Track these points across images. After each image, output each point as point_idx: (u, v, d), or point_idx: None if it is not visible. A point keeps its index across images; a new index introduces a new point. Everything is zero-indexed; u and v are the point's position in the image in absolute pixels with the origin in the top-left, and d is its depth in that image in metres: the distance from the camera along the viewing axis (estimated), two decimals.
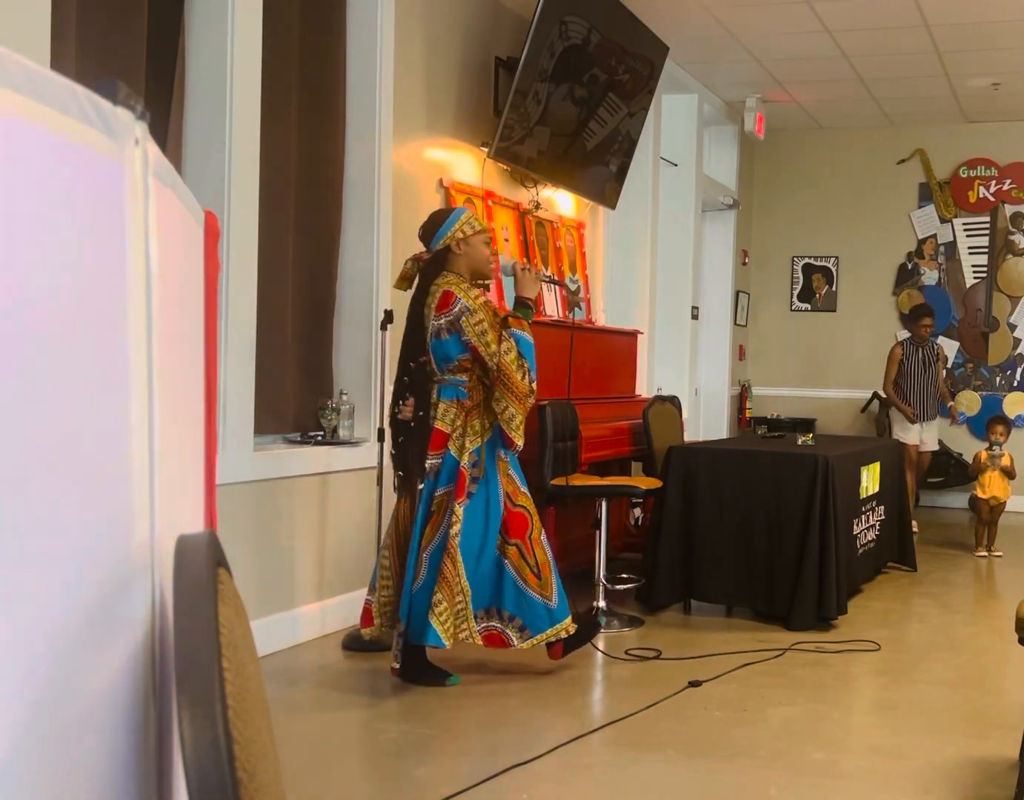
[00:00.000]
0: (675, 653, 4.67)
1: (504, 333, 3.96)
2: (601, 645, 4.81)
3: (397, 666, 4.06)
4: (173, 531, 1.15)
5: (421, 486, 4.02)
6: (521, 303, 4.10)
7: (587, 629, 4.39)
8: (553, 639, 4.15)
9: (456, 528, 3.97)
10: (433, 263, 4.07)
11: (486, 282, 4.23)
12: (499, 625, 4.06)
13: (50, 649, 0.86)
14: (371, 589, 4.19)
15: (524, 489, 4.19)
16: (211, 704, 0.90)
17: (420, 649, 4.07)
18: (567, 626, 4.16)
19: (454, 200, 5.83)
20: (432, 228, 4.13)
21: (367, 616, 4.14)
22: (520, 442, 4.01)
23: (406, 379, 4.06)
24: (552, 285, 4.33)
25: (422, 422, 4.02)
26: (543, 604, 4.09)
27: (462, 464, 3.97)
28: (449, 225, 4.07)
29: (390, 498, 5.15)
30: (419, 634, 3.94)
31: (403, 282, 4.20)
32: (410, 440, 4.06)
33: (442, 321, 3.97)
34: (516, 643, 4.08)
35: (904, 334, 10.19)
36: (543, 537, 4.18)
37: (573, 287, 7.11)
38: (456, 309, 3.94)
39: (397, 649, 4.04)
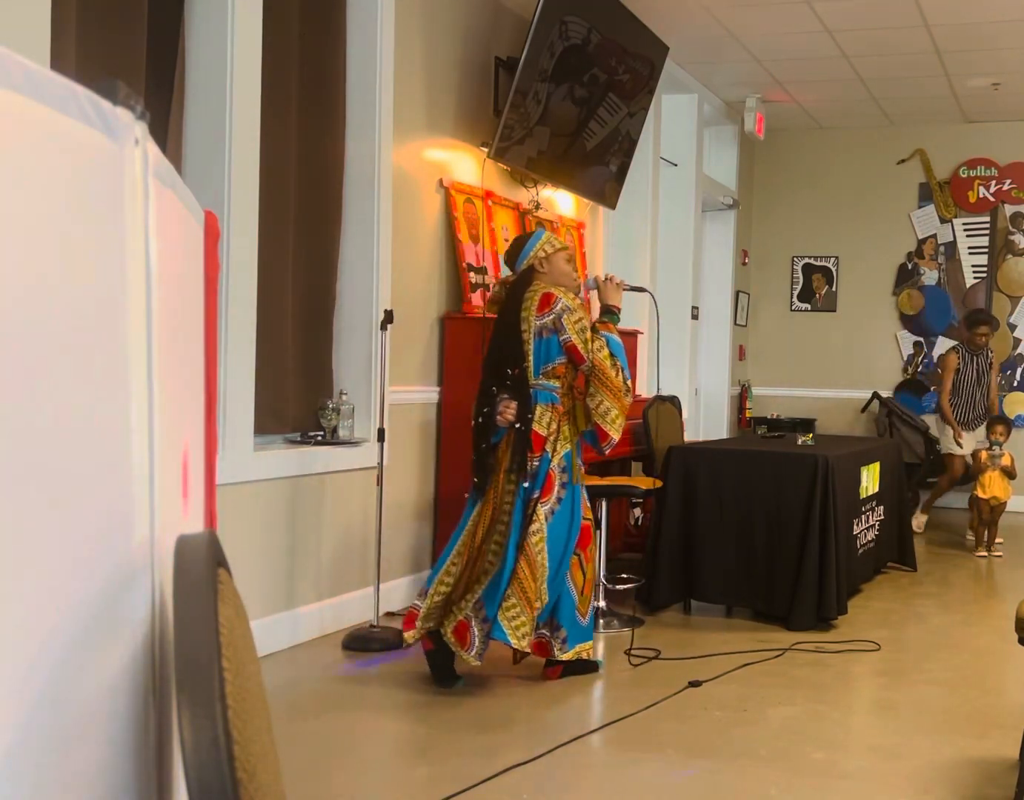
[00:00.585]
0: (675, 653, 4.67)
1: (594, 333, 4.15)
2: (601, 645, 4.82)
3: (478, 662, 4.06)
4: (173, 531, 1.15)
5: (526, 484, 4.07)
6: (607, 310, 4.32)
7: (589, 663, 4.37)
8: (574, 658, 4.19)
9: (536, 526, 4.03)
10: (520, 282, 4.23)
11: None
12: (548, 633, 4.16)
13: (50, 649, 0.86)
14: (422, 594, 4.17)
15: (587, 502, 4.31)
16: (211, 704, 0.90)
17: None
18: (588, 648, 4.25)
19: (454, 201, 5.83)
20: (516, 251, 4.32)
21: (410, 620, 4.14)
22: (615, 436, 4.16)
23: (494, 388, 4.15)
24: (638, 292, 4.58)
25: (526, 424, 4.08)
26: (580, 619, 4.20)
27: (551, 466, 4.08)
28: (531, 246, 4.26)
29: (390, 498, 5.16)
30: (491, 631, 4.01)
31: (493, 305, 4.39)
32: (517, 443, 4.09)
33: (545, 320, 4.11)
34: (557, 654, 4.17)
35: (906, 337, 10.21)
36: (595, 554, 4.27)
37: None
38: (557, 308, 4.10)
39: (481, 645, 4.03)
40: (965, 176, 9.98)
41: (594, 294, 4.61)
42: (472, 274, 5.87)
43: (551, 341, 4.11)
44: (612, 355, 4.14)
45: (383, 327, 4.89)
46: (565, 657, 4.16)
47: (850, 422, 10.30)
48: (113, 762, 1.00)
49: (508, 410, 4.10)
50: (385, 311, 4.90)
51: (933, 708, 4.03)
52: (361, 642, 4.65)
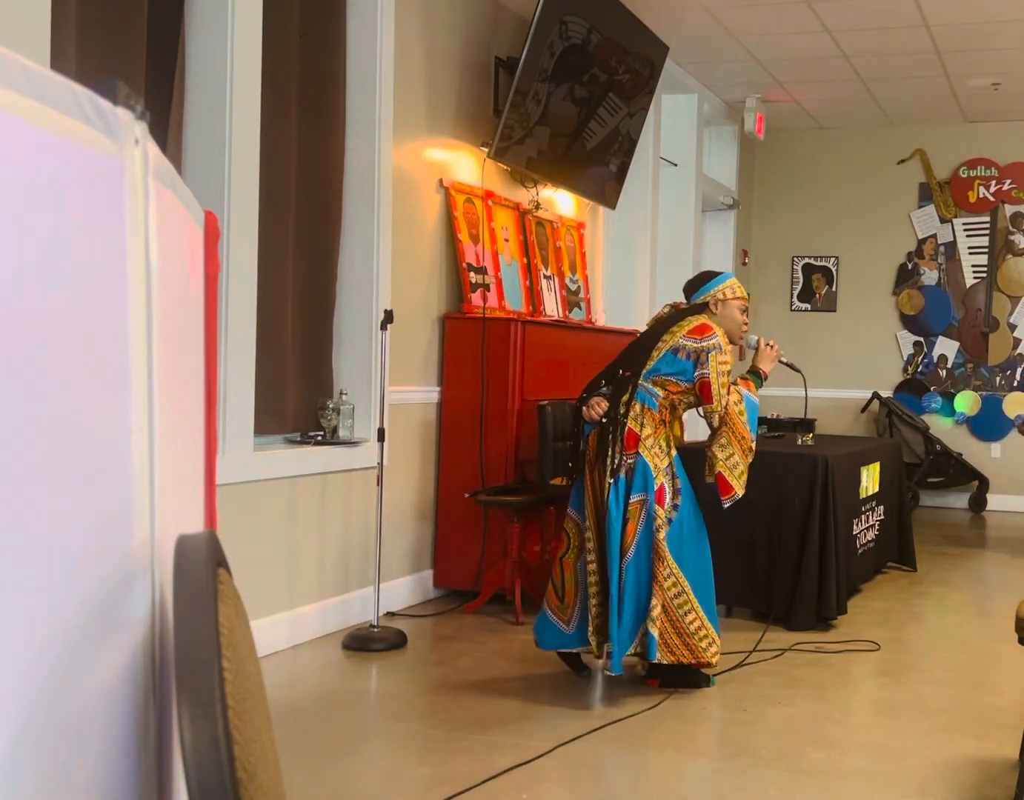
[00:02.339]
0: None
1: (733, 387, 4.16)
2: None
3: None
4: (173, 531, 1.15)
5: (611, 480, 4.04)
6: (754, 371, 4.35)
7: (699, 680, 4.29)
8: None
9: (662, 528, 4.02)
10: (688, 310, 4.26)
11: (735, 346, 4.35)
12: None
13: (50, 649, 0.86)
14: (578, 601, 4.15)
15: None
16: (211, 704, 0.90)
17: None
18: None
19: (454, 201, 5.83)
20: (697, 283, 4.36)
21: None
22: (740, 491, 4.15)
23: (603, 382, 4.20)
24: (789, 368, 4.74)
25: (614, 422, 4.08)
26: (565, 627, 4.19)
27: (657, 479, 4.04)
28: (713, 285, 4.30)
29: (390, 498, 5.16)
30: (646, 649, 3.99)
31: (656, 322, 4.38)
32: (602, 438, 4.10)
33: (690, 343, 4.10)
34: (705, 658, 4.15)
35: (906, 337, 10.21)
36: (580, 561, 4.17)
37: (574, 287, 7.11)
38: (710, 342, 4.09)
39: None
40: (965, 176, 9.98)
41: (749, 353, 4.61)
42: (472, 274, 5.87)
43: (684, 363, 4.10)
44: (746, 412, 4.15)
45: (383, 327, 4.89)
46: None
47: (850, 422, 10.31)
48: (113, 762, 1.00)
49: (597, 406, 4.12)
50: (385, 311, 4.90)
51: (933, 708, 4.03)
52: (361, 642, 4.65)
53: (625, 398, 4.10)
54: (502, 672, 4.36)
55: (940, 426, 9.99)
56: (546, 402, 5.35)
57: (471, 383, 5.60)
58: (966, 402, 10.00)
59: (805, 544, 5.18)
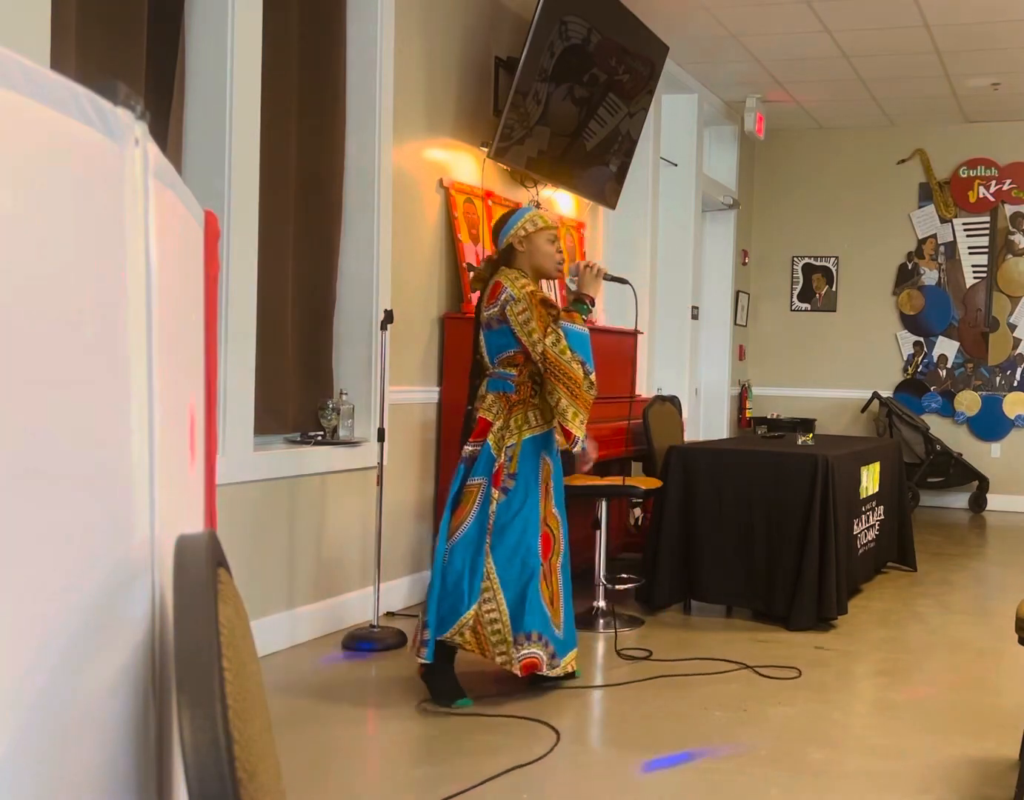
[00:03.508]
0: (673, 654, 4.68)
1: (552, 325, 3.91)
2: (601, 645, 4.82)
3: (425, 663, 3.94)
4: (173, 531, 1.15)
5: (465, 468, 3.96)
6: (578, 299, 4.10)
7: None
8: (562, 673, 4.05)
9: (491, 524, 3.91)
10: (498, 261, 4.09)
11: (552, 280, 4.20)
12: (537, 651, 3.94)
13: (50, 649, 0.86)
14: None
15: (556, 511, 4.11)
16: (211, 704, 0.90)
17: (452, 654, 3.98)
18: (571, 661, 4.09)
19: (454, 200, 5.83)
20: (498, 227, 4.15)
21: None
22: (578, 433, 3.92)
23: (469, 377, 4.11)
24: (618, 282, 4.31)
25: (468, 415, 4.03)
26: (555, 632, 4.02)
27: (499, 460, 3.92)
28: (513, 223, 4.07)
29: (390, 498, 5.16)
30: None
31: (477, 282, 4.20)
32: (464, 426, 4.04)
33: (492, 311, 3.96)
34: (546, 670, 3.97)
35: (906, 337, 10.21)
36: (560, 564, 4.10)
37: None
38: (502, 298, 3.93)
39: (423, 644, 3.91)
40: (965, 176, 9.98)
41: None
42: (472, 274, 5.87)
43: (500, 333, 3.95)
44: (571, 348, 3.91)
45: (383, 327, 4.88)
46: (553, 673, 3.99)
47: (850, 422, 10.31)
48: (113, 762, 1.00)
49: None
50: (385, 311, 4.90)
51: (933, 708, 4.03)
52: (361, 642, 4.65)
53: (481, 390, 4.01)
54: (502, 672, 4.36)
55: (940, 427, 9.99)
56: None
57: None
58: (966, 402, 10.00)
59: (805, 544, 5.18)
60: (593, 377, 3.98)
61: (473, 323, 4.12)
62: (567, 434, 3.94)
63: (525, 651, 3.89)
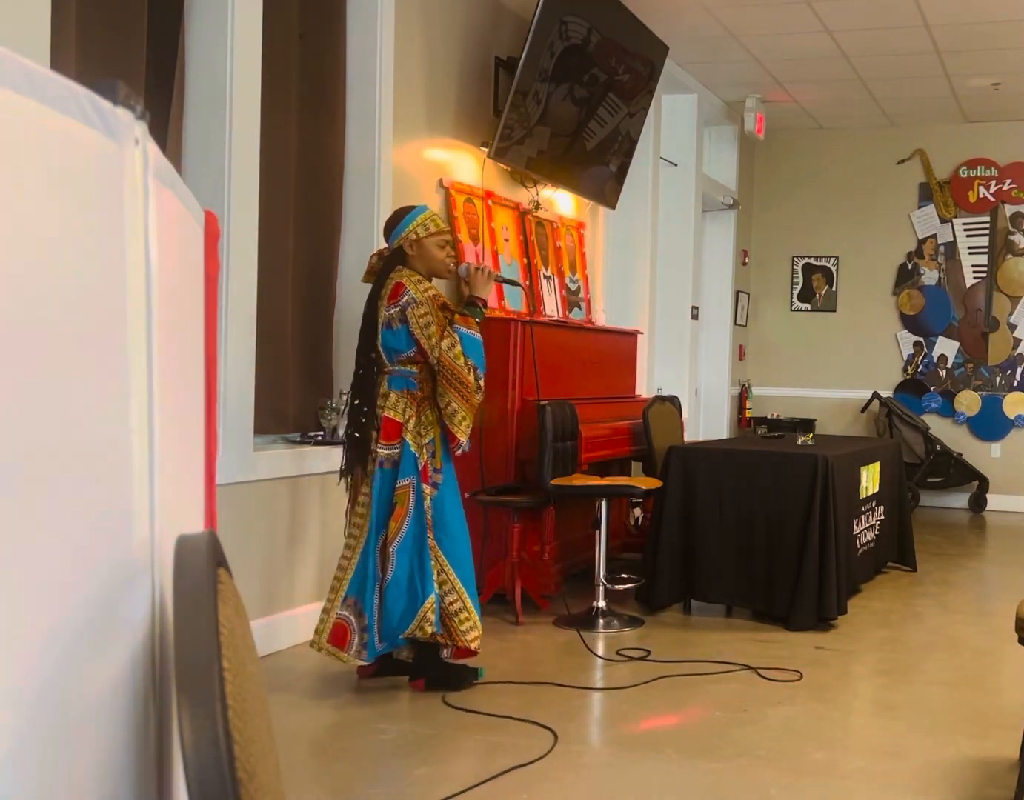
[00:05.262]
0: (672, 654, 4.68)
1: (448, 329, 3.91)
2: (600, 645, 4.82)
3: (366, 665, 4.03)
4: (173, 531, 1.15)
5: (372, 472, 3.95)
6: (471, 302, 4.03)
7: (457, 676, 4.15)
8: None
9: (430, 519, 3.93)
10: (390, 260, 4.06)
11: (444, 280, 4.19)
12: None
13: (50, 649, 0.86)
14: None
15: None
16: (211, 704, 0.90)
17: (434, 650, 4.04)
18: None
19: (454, 200, 5.83)
20: (391, 225, 4.11)
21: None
22: (462, 438, 3.93)
23: (361, 373, 4.03)
24: (510, 284, 4.23)
25: (367, 415, 3.97)
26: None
27: (422, 457, 3.92)
28: (404, 225, 4.04)
29: None
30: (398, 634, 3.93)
31: (369, 276, 4.16)
32: (352, 433, 4.01)
33: (392, 311, 3.94)
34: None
35: (906, 337, 10.21)
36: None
37: (574, 287, 7.10)
38: (404, 300, 3.91)
39: (360, 652, 3.96)
40: (965, 176, 9.98)
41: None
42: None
43: (400, 333, 3.93)
44: (464, 354, 3.89)
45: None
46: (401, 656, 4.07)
47: (850, 422, 10.31)
48: (113, 762, 1.00)
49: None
50: None
51: (933, 708, 4.03)
52: None
53: (383, 389, 3.98)
54: (502, 672, 4.36)
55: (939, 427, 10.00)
56: (546, 402, 5.35)
57: None
58: (966, 402, 10.00)
59: (805, 544, 5.18)
60: (482, 382, 3.96)
61: (363, 320, 4.05)
62: (452, 438, 3.96)
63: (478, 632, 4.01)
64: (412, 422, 3.94)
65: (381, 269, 4.07)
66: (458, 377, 3.89)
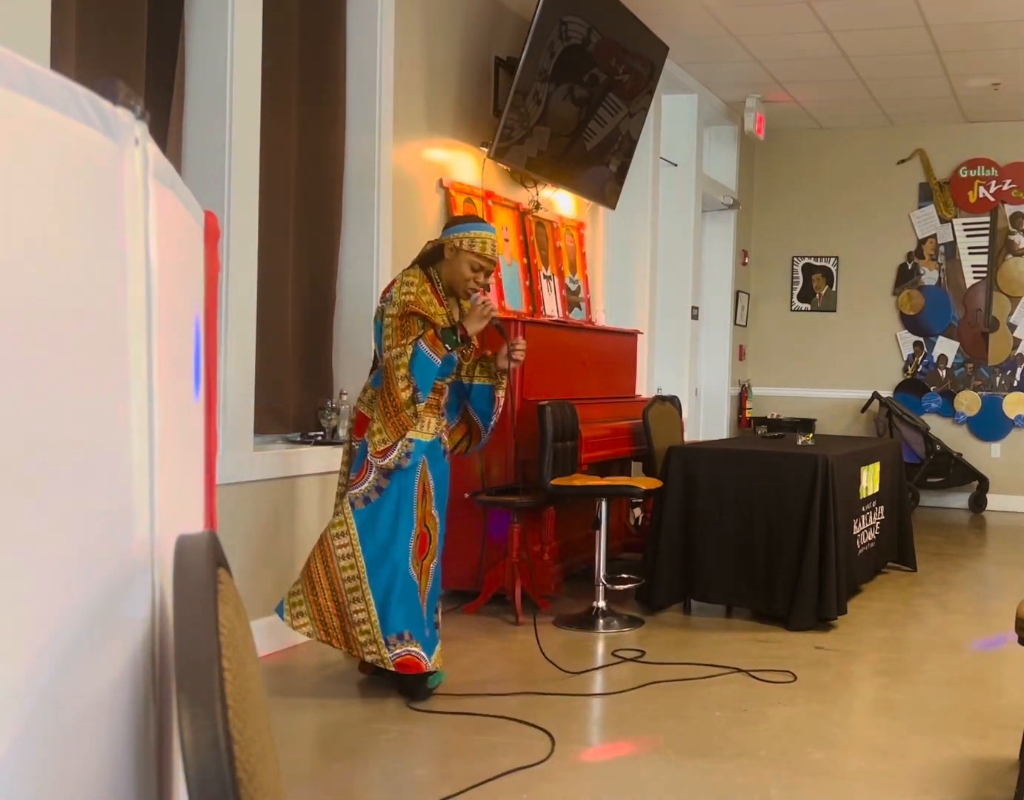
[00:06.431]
0: (672, 654, 4.68)
1: (407, 340, 3.80)
2: (600, 645, 4.82)
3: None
4: (173, 531, 1.15)
5: (344, 470, 4.00)
6: (452, 328, 3.87)
7: (416, 688, 4.01)
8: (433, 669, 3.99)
9: (338, 509, 3.88)
10: (425, 254, 4.04)
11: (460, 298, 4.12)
12: (414, 649, 3.88)
13: (50, 649, 0.86)
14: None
15: (435, 512, 3.99)
16: (211, 704, 0.90)
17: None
18: (437, 659, 3.99)
19: (454, 201, 5.83)
20: (451, 222, 4.10)
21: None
22: (370, 449, 3.81)
23: (374, 364, 4.10)
24: (498, 331, 4.05)
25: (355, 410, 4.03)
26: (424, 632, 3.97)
27: (368, 455, 3.85)
28: (458, 229, 3.97)
29: None
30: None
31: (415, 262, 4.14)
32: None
33: (379, 305, 3.95)
34: (428, 665, 3.92)
35: (906, 337, 10.21)
36: (434, 565, 4.01)
37: (574, 287, 7.10)
38: (387, 296, 3.91)
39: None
40: (965, 176, 9.98)
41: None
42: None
43: (379, 328, 3.92)
44: (410, 369, 3.77)
45: None
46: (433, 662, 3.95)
47: (850, 422, 10.31)
48: (113, 762, 1.00)
49: None
50: None
51: (933, 708, 4.03)
52: None
53: (366, 382, 4.00)
54: (502, 672, 4.36)
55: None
56: (546, 402, 5.35)
57: None
58: (966, 402, 10.00)
59: (805, 544, 5.18)
60: (421, 407, 3.82)
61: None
62: (371, 448, 3.84)
63: (399, 650, 3.86)
64: (378, 425, 3.85)
65: (417, 258, 4.06)
66: (389, 387, 3.79)
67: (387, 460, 3.82)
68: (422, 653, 3.89)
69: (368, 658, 3.89)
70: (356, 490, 3.87)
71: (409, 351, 3.78)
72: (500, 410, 4.22)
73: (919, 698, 4.15)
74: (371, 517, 3.86)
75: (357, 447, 3.95)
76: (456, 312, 4.06)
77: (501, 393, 4.17)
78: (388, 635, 3.85)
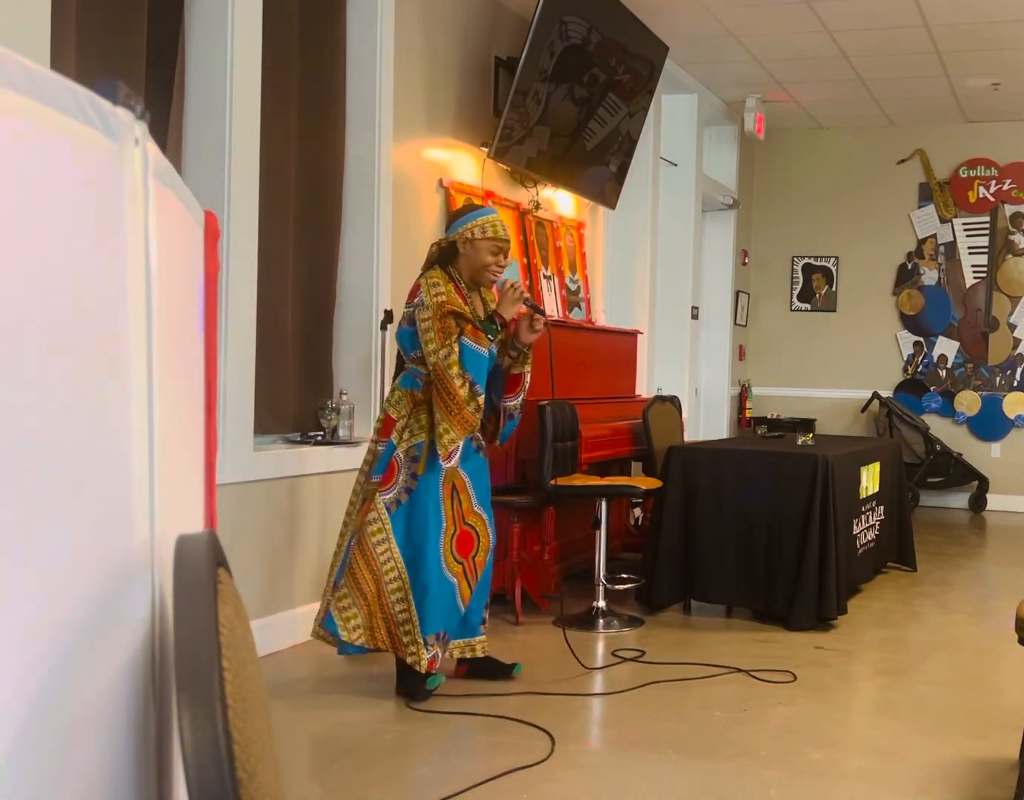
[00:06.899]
0: (670, 655, 4.68)
1: (450, 339, 3.82)
2: (600, 645, 4.82)
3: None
4: (173, 531, 1.15)
5: (366, 468, 3.99)
6: (489, 317, 3.94)
7: (500, 670, 4.21)
8: (460, 655, 4.07)
9: (373, 516, 3.87)
10: (439, 254, 4.03)
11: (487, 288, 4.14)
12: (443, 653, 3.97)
13: (50, 649, 0.86)
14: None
15: (478, 508, 4.03)
16: (211, 704, 0.90)
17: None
18: (477, 644, 4.09)
19: (454, 200, 5.83)
20: (453, 217, 4.08)
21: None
22: (441, 452, 3.82)
23: (397, 363, 4.10)
24: (533, 310, 4.09)
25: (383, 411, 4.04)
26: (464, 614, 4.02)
27: (395, 453, 3.88)
28: (463, 222, 3.97)
29: None
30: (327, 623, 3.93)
31: (425, 266, 4.13)
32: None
33: (406, 310, 3.94)
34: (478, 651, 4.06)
35: (906, 337, 10.21)
36: (489, 558, 4.05)
37: (574, 287, 7.10)
38: (415, 301, 3.89)
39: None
40: (965, 176, 9.98)
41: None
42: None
43: (410, 332, 3.92)
44: (462, 366, 3.80)
45: (383, 327, 4.88)
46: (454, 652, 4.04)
47: (850, 422, 10.31)
48: (113, 762, 1.00)
49: None
50: (385, 311, 4.90)
51: (933, 708, 4.03)
52: None
53: (394, 383, 4.00)
54: (498, 675, 4.35)
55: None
56: (546, 402, 5.35)
57: None
58: (966, 402, 10.00)
59: (805, 544, 5.18)
60: (481, 399, 3.84)
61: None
62: (440, 451, 3.85)
63: (434, 652, 3.91)
64: (403, 422, 3.91)
65: (426, 263, 4.05)
66: (447, 388, 3.80)
67: (453, 461, 3.87)
68: (439, 652, 3.94)
69: (408, 659, 3.90)
70: (388, 495, 3.89)
71: (456, 349, 3.81)
72: (528, 386, 4.16)
73: (919, 698, 4.15)
74: (405, 519, 3.90)
75: (382, 450, 3.93)
76: (480, 306, 4.04)
77: (528, 368, 4.12)
78: (427, 636, 3.89)
